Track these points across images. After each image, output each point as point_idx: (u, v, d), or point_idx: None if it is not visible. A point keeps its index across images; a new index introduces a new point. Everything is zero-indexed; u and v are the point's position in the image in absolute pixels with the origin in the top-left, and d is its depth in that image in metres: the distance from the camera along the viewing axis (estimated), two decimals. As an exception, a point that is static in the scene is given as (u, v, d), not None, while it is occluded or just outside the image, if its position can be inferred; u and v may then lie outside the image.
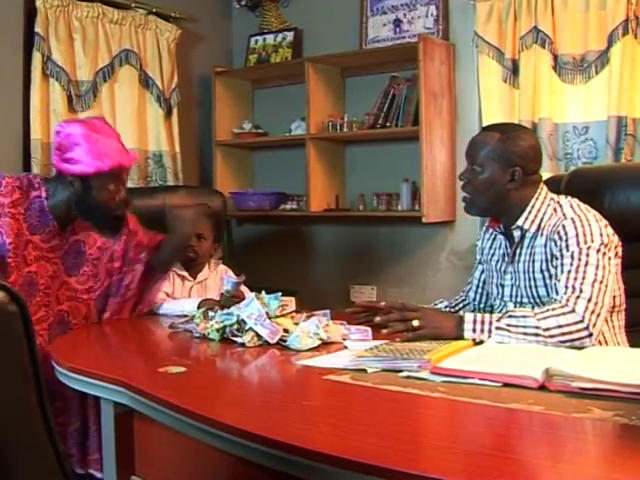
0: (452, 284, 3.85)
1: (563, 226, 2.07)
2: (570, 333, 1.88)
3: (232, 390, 1.72)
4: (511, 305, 2.23)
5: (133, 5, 4.00)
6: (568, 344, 1.88)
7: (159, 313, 2.73)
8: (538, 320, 1.89)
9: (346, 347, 2.06)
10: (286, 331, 2.12)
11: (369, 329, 2.22)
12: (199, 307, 2.57)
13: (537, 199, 2.17)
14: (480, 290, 2.48)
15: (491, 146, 2.16)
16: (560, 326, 1.88)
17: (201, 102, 4.58)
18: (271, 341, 2.09)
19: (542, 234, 2.14)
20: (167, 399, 1.53)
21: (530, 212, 2.16)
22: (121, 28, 3.95)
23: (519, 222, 2.17)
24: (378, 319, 2.06)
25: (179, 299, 2.81)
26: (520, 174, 2.14)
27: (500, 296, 2.30)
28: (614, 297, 2.10)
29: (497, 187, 2.16)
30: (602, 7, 3.32)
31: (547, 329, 1.88)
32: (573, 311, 1.90)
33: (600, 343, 2.06)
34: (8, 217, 2.38)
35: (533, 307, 2.13)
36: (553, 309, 1.92)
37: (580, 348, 1.85)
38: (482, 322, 1.95)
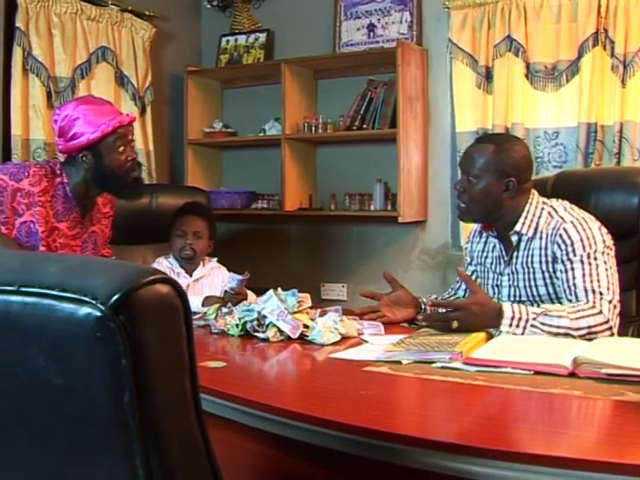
0: (423, 282, 3.99)
1: (565, 229, 2.20)
2: (596, 332, 2.04)
3: (285, 382, 1.79)
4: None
5: (110, 2, 3.99)
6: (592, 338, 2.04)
7: (161, 310, 2.75)
8: (571, 320, 2.03)
9: (366, 341, 2.16)
10: (305, 326, 2.20)
11: (381, 324, 2.33)
12: (203, 304, 2.63)
13: (531, 204, 2.29)
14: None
15: (486, 158, 2.27)
16: (590, 326, 2.03)
17: (172, 101, 4.60)
18: (293, 336, 2.16)
19: (540, 237, 2.26)
20: (230, 392, 1.59)
21: (526, 217, 2.28)
22: (98, 25, 3.94)
23: (517, 227, 2.28)
24: (420, 317, 2.18)
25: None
26: (514, 184, 2.25)
27: (497, 296, 2.40)
28: None
29: (492, 197, 2.27)
30: (573, 19, 3.51)
31: (578, 329, 2.02)
32: (601, 312, 2.06)
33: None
34: (39, 206, 2.43)
35: (532, 304, 2.26)
36: (584, 310, 2.06)
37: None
38: (519, 319, 2.05)
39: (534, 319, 2.05)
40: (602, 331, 2.04)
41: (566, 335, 2.02)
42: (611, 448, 1.23)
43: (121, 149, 2.48)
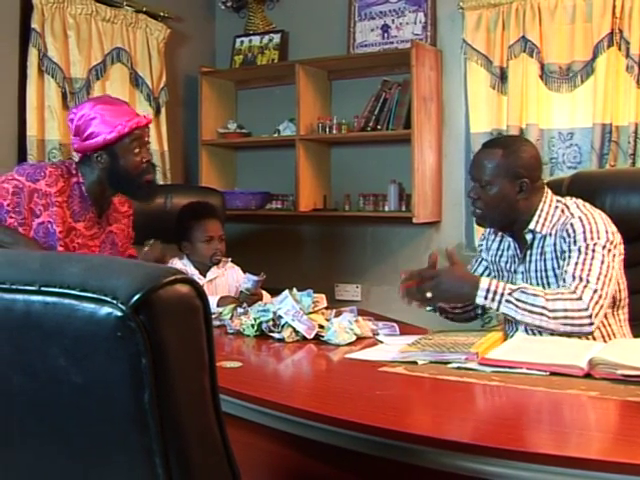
0: (437, 283, 3.99)
1: (571, 224, 2.20)
2: (573, 318, 2.02)
3: (300, 382, 1.80)
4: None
5: (125, 4, 4.02)
6: (568, 328, 2.02)
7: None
8: (547, 301, 2.02)
9: (381, 342, 2.16)
10: (321, 327, 2.21)
11: (395, 324, 2.34)
12: (218, 304, 2.63)
13: (545, 203, 2.29)
14: None
15: (496, 163, 2.26)
16: (566, 310, 2.02)
17: (187, 102, 4.62)
18: (308, 336, 2.16)
19: (551, 234, 2.26)
20: (246, 392, 1.59)
21: (540, 216, 2.27)
22: (113, 26, 3.97)
23: (531, 226, 2.28)
24: (398, 292, 2.19)
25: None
26: (527, 184, 2.25)
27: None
28: (617, 291, 2.24)
29: (507, 200, 2.26)
30: (588, 20, 3.50)
31: (553, 311, 2.01)
32: (580, 299, 2.04)
33: (609, 335, 2.22)
34: (56, 206, 2.43)
35: None
36: (562, 293, 2.06)
37: (579, 336, 2.03)
38: (495, 292, 2.06)
39: (510, 294, 2.05)
40: (580, 318, 2.02)
41: (541, 315, 2.01)
42: (628, 449, 1.23)
43: (136, 150, 2.47)
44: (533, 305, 2.02)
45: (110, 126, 2.42)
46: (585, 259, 2.12)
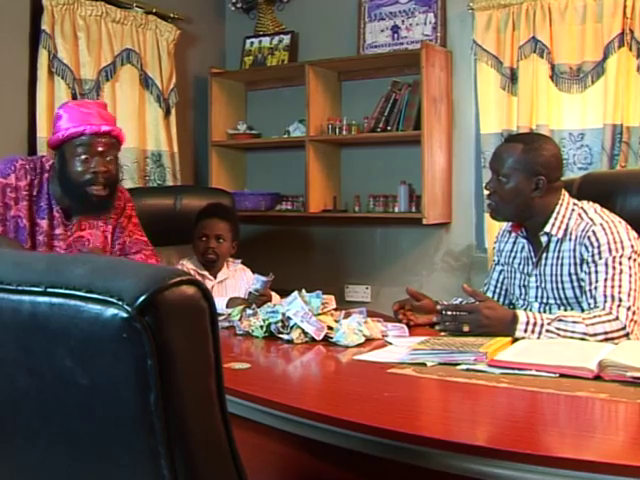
0: (447, 284, 3.99)
1: (593, 232, 2.19)
2: (613, 338, 2.03)
3: (309, 384, 1.80)
4: (536, 305, 2.35)
5: (135, 5, 4.02)
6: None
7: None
8: (587, 326, 2.02)
9: (390, 343, 2.16)
10: (330, 328, 2.21)
11: (405, 326, 2.33)
12: (227, 305, 2.63)
13: (561, 205, 2.28)
14: (498, 290, 2.57)
15: (515, 157, 2.26)
16: (606, 332, 2.03)
17: (197, 103, 4.63)
18: (317, 338, 2.16)
19: (570, 239, 2.25)
20: (254, 393, 1.59)
21: (556, 218, 2.27)
22: (123, 27, 3.97)
23: (546, 228, 2.27)
24: (434, 319, 2.18)
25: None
26: (544, 183, 2.25)
27: (524, 296, 2.40)
28: None
29: (522, 196, 2.26)
30: (598, 20, 3.48)
31: (594, 335, 2.02)
32: (617, 319, 2.05)
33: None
34: (25, 201, 2.41)
35: (559, 308, 2.27)
36: (599, 316, 2.06)
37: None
38: (534, 324, 2.05)
39: (549, 324, 2.05)
40: (619, 337, 2.04)
41: (583, 340, 2.01)
42: (638, 452, 1.22)
43: (83, 157, 2.37)
44: (574, 332, 2.03)
45: (64, 127, 2.38)
46: (614, 274, 2.13)
